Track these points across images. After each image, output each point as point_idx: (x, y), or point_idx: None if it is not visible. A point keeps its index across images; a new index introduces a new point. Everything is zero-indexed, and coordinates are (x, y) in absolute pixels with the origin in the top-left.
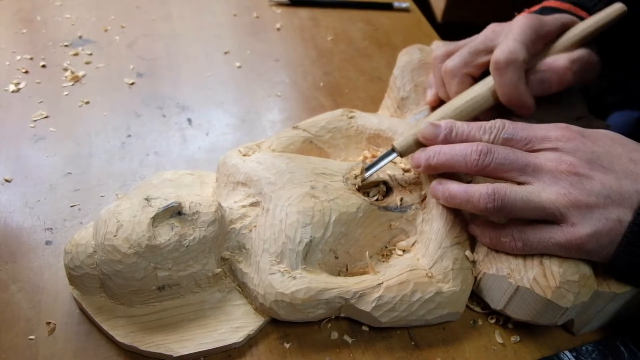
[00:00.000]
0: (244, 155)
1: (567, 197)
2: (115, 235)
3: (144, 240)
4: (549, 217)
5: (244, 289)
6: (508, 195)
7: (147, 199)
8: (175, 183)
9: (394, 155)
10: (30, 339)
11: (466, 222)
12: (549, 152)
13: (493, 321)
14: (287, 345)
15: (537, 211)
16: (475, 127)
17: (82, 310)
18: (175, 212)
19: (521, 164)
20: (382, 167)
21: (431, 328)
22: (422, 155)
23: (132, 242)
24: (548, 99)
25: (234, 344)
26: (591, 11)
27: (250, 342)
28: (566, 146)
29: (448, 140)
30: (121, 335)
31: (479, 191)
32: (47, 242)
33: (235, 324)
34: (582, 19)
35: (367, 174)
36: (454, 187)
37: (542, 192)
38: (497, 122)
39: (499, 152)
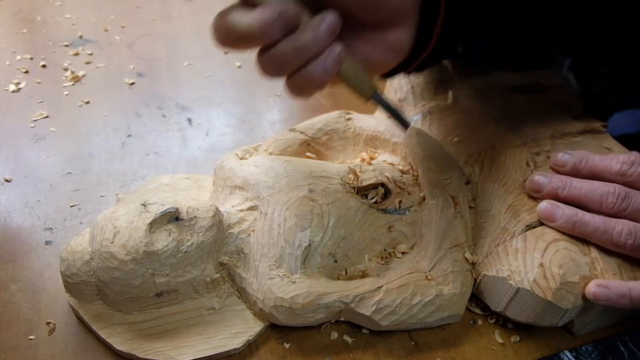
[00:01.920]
0: (241, 158)
1: None
2: (112, 242)
3: (142, 247)
4: None
5: (242, 294)
6: None
7: (144, 205)
8: (171, 187)
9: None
10: (30, 339)
11: (465, 225)
12: None
13: (493, 321)
14: (287, 346)
15: None
16: (607, 157)
17: (79, 318)
18: (172, 217)
19: None
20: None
21: (431, 328)
22: (543, 181)
23: (129, 248)
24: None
25: (233, 350)
26: None
27: (250, 342)
28: None
29: (577, 168)
30: (119, 342)
31: (621, 226)
32: (47, 242)
33: (235, 329)
34: None
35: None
36: (588, 216)
37: None
38: (633, 156)
39: (637, 198)
